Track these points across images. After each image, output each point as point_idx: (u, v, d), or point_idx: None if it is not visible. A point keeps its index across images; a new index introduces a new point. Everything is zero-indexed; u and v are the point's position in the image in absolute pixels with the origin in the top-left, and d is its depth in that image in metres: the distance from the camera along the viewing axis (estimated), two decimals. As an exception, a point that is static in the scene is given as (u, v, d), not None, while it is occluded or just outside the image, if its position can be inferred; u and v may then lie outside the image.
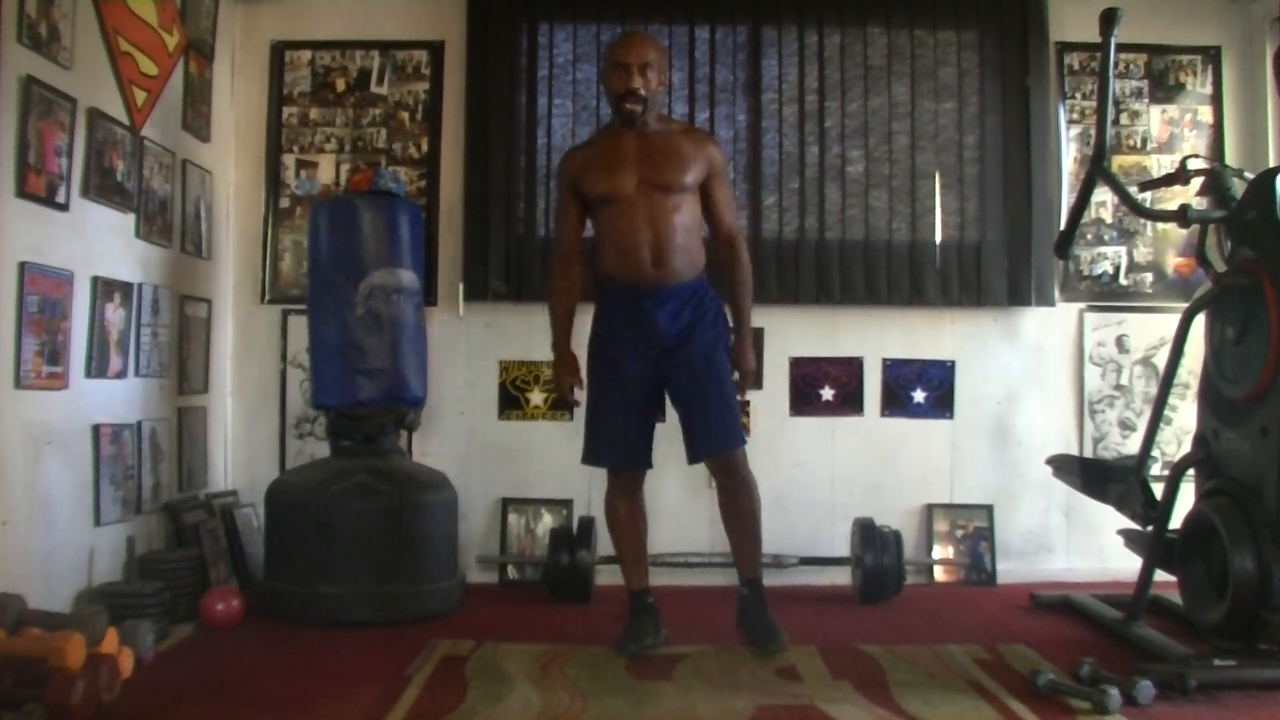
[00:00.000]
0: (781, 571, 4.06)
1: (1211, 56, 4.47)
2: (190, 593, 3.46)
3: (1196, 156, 3.84)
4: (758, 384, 3.18)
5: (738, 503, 3.24)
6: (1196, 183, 3.49)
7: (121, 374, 3.48)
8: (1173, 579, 3.24)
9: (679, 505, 4.22)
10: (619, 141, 3.18)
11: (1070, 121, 4.45)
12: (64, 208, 3.14)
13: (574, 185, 3.23)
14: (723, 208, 3.26)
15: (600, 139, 3.32)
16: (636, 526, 3.31)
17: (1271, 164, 4.07)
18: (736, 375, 3.24)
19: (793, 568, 4.10)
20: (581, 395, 3.28)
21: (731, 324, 3.28)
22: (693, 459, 3.25)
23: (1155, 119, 4.46)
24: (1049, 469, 3.96)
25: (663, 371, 3.18)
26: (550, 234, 4.31)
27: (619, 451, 3.23)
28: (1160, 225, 4.35)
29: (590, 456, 3.27)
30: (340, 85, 4.42)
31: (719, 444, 3.18)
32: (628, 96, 3.11)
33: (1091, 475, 3.74)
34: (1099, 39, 3.44)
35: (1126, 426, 4.38)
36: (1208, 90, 4.47)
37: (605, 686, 2.79)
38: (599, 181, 3.16)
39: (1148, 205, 3.80)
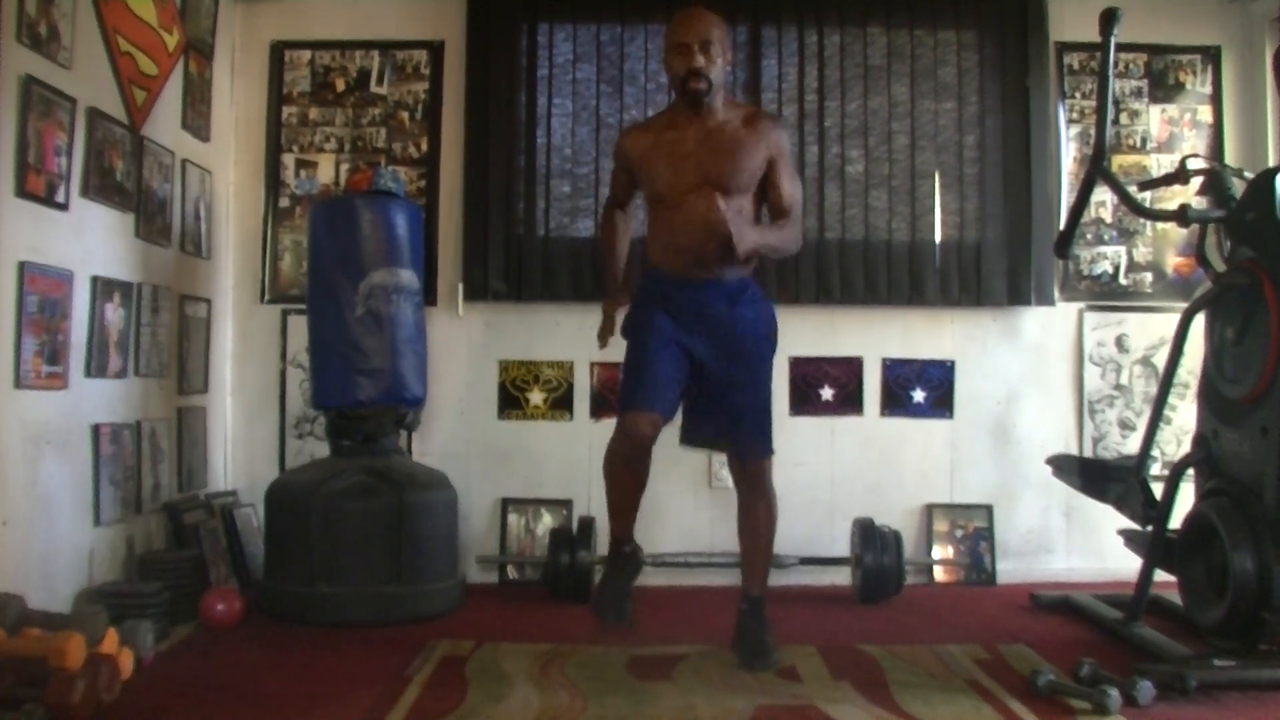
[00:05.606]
0: (781, 571, 4.05)
1: (1211, 56, 4.48)
2: (190, 593, 3.46)
3: (1196, 156, 3.84)
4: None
5: (756, 514, 3.13)
6: (1196, 182, 3.50)
7: (121, 374, 3.48)
8: (1173, 579, 3.25)
9: (679, 505, 4.23)
10: (681, 133, 3.03)
11: (1070, 121, 4.45)
12: (64, 207, 3.14)
13: (629, 167, 3.14)
14: (783, 190, 3.06)
15: (661, 124, 3.13)
16: (637, 477, 3.04)
17: (1271, 164, 4.07)
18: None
19: (792, 568, 4.10)
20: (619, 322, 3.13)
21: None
22: (687, 441, 3.17)
23: (1155, 119, 4.46)
24: (1049, 469, 3.96)
25: (700, 349, 3.01)
26: (550, 234, 4.32)
27: (651, 393, 2.96)
28: (1160, 225, 4.35)
29: (624, 402, 3.00)
30: (340, 85, 4.41)
31: (746, 453, 3.09)
32: (691, 76, 2.94)
33: (1091, 475, 3.74)
34: (1099, 39, 3.44)
35: (1126, 426, 4.38)
36: (1207, 90, 4.47)
37: (605, 686, 2.79)
38: (658, 176, 3.04)
39: (1147, 205, 3.80)
